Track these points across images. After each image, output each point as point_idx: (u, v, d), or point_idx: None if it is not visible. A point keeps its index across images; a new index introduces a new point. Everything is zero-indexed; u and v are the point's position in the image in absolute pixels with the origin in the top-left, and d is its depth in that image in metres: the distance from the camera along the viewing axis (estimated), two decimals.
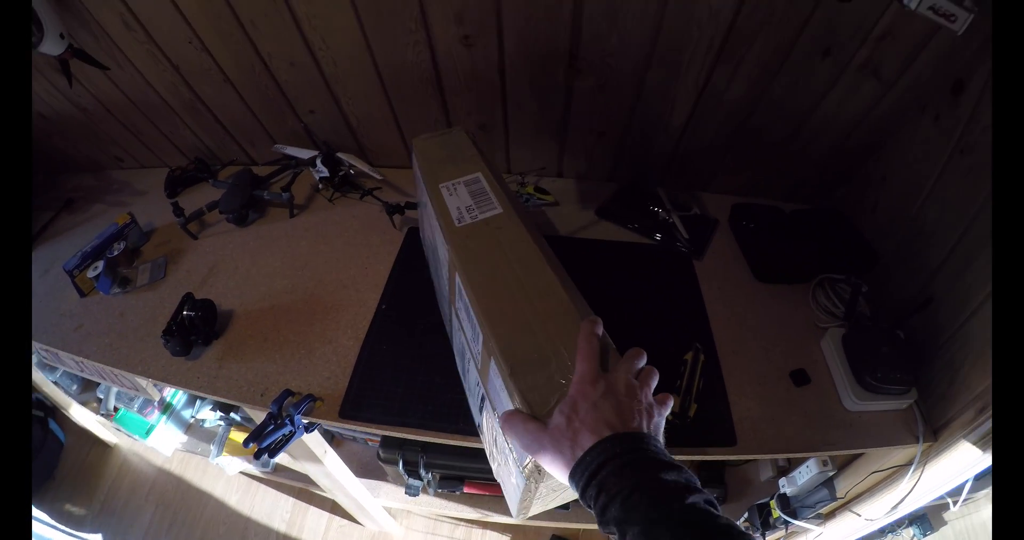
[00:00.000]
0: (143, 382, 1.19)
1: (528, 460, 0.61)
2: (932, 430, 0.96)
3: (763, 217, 1.24)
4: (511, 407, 0.63)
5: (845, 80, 1.05)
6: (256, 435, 0.99)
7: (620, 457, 0.52)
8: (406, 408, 0.97)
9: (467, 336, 0.80)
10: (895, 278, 1.10)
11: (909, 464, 0.99)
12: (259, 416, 1.00)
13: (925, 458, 0.97)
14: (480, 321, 0.70)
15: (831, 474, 1.18)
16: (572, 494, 0.74)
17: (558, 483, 0.67)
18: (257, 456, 1.01)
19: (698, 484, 0.51)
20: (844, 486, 1.17)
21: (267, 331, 1.09)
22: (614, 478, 0.51)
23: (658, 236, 1.26)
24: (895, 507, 1.06)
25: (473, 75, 1.16)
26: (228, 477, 1.88)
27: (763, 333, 1.10)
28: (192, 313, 1.06)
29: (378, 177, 1.27)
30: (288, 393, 0.98)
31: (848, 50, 1.00)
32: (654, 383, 0.63)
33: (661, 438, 0.58)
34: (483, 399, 0.78)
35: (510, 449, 0.67)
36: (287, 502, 1.89)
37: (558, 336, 0.65)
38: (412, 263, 1.21)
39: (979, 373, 0.88)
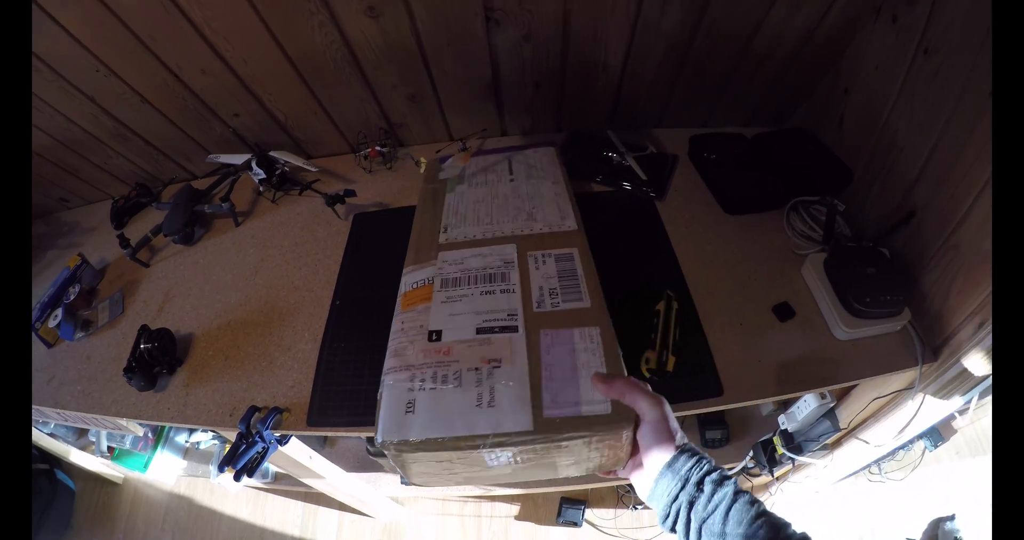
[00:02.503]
0: (122, 421, 1.18)
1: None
2: (931, 349, 0.89)
3: (724, 146, 1.16)
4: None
5: None
6: (230, 458, 0.96)
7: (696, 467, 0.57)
8: (372, 404, 0.92)
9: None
10: (872, 194, 1.02)
11: (911, 387, 0.93)
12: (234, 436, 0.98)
13: (926, 379, 0.90)
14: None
15: (831, 405, 1.11)
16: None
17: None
18: (236, 478, 0.98)
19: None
20: (846, 416, 1.10)
21: (227, 349, 1.06)
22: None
23: (621, 183, 1.18)
24: (902, 431, 1.00)
25: (388, 46, 1.09)
26: (235, 492, 1.89)
27: (738, 269, 1.03)
28: (150, 345, 1.02)
29: (313, 169, 1.22)
30: (254, 409, 0.95)
31: None
32: None
33: None
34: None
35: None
36: (297, 506, 1.89)
37: None
38: (362, 251, 1.17)
39: (974, 284, 0.80)
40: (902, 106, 0.93)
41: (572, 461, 0.65)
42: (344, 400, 0.94)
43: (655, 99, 1.22)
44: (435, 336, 0.74)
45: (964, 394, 0.88)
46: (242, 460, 0.97)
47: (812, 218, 1.03)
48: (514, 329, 0.72)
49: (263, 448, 0.99)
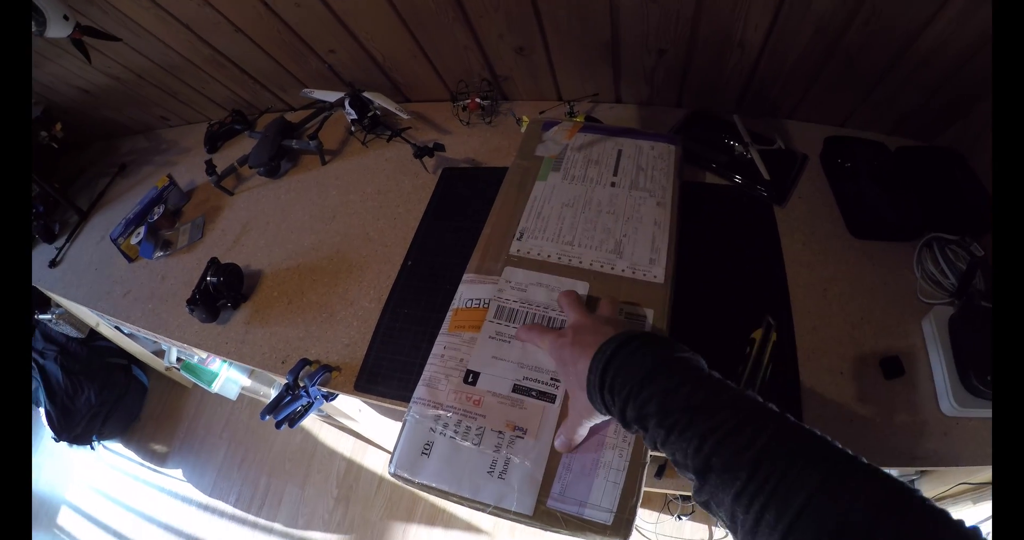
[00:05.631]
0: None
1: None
2: None
3: (862, 155, 0.97)
4: None
5: None
6: (272, 407, 0.96)
7: (619, 357, 0.56)
8: None
9: None
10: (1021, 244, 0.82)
11: None
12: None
13: None
14: None
15: (913, 478, 0.97)
16: None
17: None
18: (278, 426, 0.99)
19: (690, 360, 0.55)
20: (926, 489, 0.97)
21: (291, 293, 1.05)
22: (620, 380, 0.54)
23: (736, 178, 1.04)
24: (981, 522, 0.86)
25: None
26: None
27: (852, 305, 0.88)
28: (215, 279, 1.03)
29: (405, 116, 1.14)
30: (304, 363, 0.94)
31: None
32: None
33: None
34: None
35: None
36: (348, 441, 1.96)
37: None
38: (444, 211, 1.09)
39: None
40: None
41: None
42: (395, 369, 0.90)
43: (792, 88, 1.05)
44: (471, 377, 0.71)
45: None
46: (285, 412, 0.97)
47: (946, 261, 0.86)
48: (551, 398, 0.68)
49: (307, 403, 0.98)
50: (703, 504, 0.48)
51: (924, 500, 0.39)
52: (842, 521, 0.38)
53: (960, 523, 0.38)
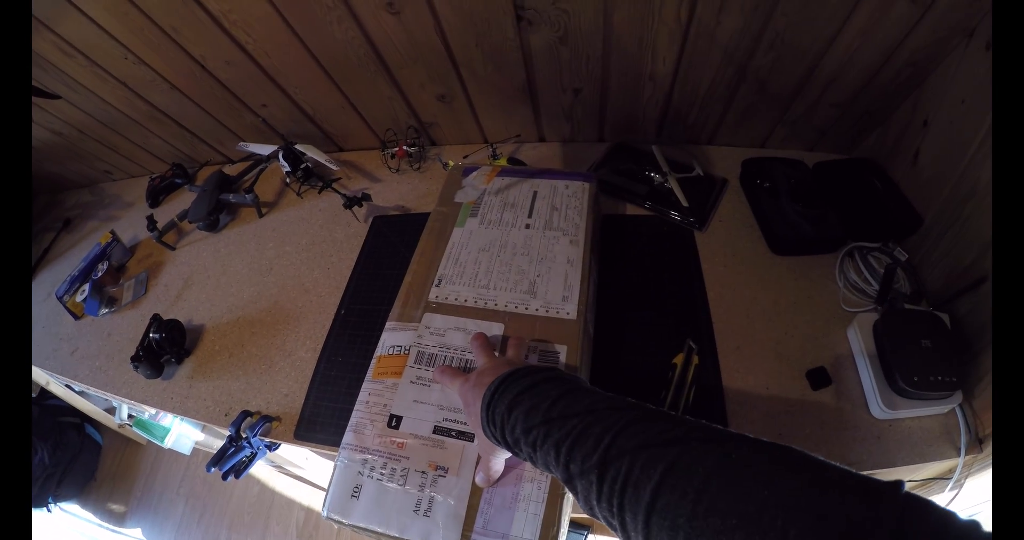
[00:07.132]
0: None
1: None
2: (978, 439, 0.76)
3: (780, 173, 1.00)
4: None
5: (869, 3, 0.80)
6: (217, 459, 0.96)
7: (499, 391, 0.57)
8: None
9: None
10: (941, 247, 0.85)
11: (947, 477, 0.80)
12: None
13: (967, 471, 0.77)
14: None
15: None
16: None
17: None
18: (224, 478, 0.98)
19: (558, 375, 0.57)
20: None
21: (232, 346, 1.05)
22: (498, 410, 0.56)
23: (659, 208, 1.06)
24: None
25: (412, 44, 1.01)
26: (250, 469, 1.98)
27: (776, 321, 0.90)
28: (158, 335, 1.03)
29: (335, 168, 1.16)
30: (246, 414, 0.94)
31: None
32: None
33: None
34: None
35: None
36: (305, 489, 1.94)
37: None
38: (374, 259, 1.11)
39: None
40: (988, 150, 0.76)
41: None
42: (332, 417, 0.91)
43: (708, 114, 1.08)
44: (394, 422, 0.73)
45: None
46: (229, 463, 0.97)
47: (869, 269, 0.89)
48: (470, 437, 0.70)
49: (251, 453, 0.98)
50: (590, 513, 0.46)
51: (817, 461, 0.37)
52: (697, 502, 0.36)
53: (867, 479, 0.35)
